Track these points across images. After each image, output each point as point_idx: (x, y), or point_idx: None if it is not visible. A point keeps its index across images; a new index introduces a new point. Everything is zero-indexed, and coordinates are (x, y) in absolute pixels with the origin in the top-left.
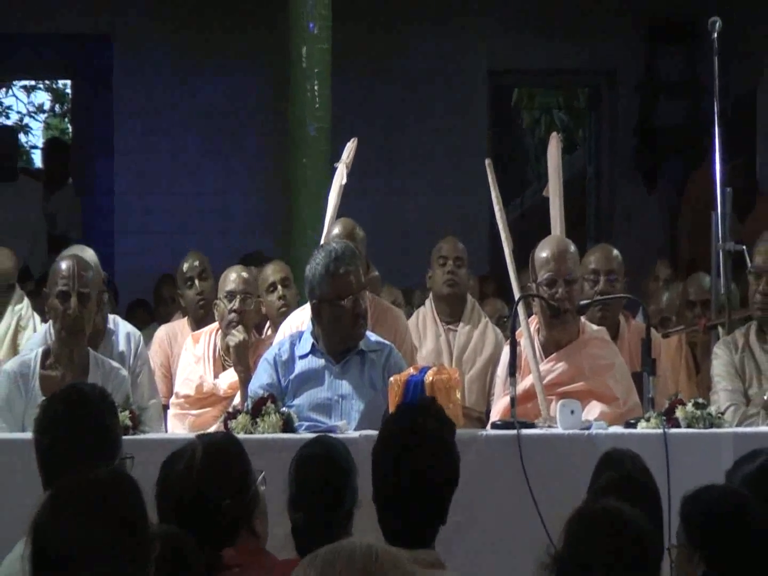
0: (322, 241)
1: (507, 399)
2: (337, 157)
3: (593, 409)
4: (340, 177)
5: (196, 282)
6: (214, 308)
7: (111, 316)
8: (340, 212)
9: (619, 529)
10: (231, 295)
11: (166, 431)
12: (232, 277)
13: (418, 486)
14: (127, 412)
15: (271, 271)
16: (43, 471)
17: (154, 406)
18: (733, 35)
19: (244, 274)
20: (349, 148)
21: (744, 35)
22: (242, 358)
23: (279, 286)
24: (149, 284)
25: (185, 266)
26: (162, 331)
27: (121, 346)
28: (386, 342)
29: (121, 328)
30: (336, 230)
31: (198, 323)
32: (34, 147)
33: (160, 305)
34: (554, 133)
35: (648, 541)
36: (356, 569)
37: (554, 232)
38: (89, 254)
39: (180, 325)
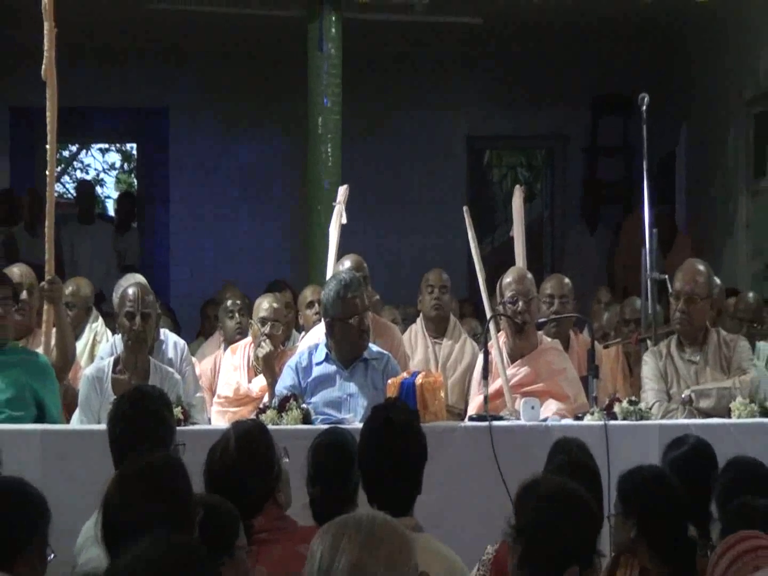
0: (329, 270)
1: (481, 397)
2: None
3: (549, 406)
4: (338, 215)
5: (236, 316)
6: (249, 327)
7: (161, 330)
8: (349, 249)
9: (557, 494)
10: (263, 321)
11: (210, 422)
12: (265, 306)
13: (393, 462)
14: (179, 408)
15: (310, 293)
16: (114, 454)
17: (198, 400)
18: (659, 108)
19: (275, 304)
20: (343, 192)
21: (666, 108)
22: (269, 367)
23: (316, 304)
24: (197, 306)
25: (229, 303)
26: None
27: (170, 353)
28: (385, 352)
29: (170, 338)
30: (347, 263)
31: (231, 344)
32: (108, 197)
33: (204, 322)
34: (518, 186)
35: (586, 505)
36: (363, 534)
37: (518, 263)
38: (142, 278)
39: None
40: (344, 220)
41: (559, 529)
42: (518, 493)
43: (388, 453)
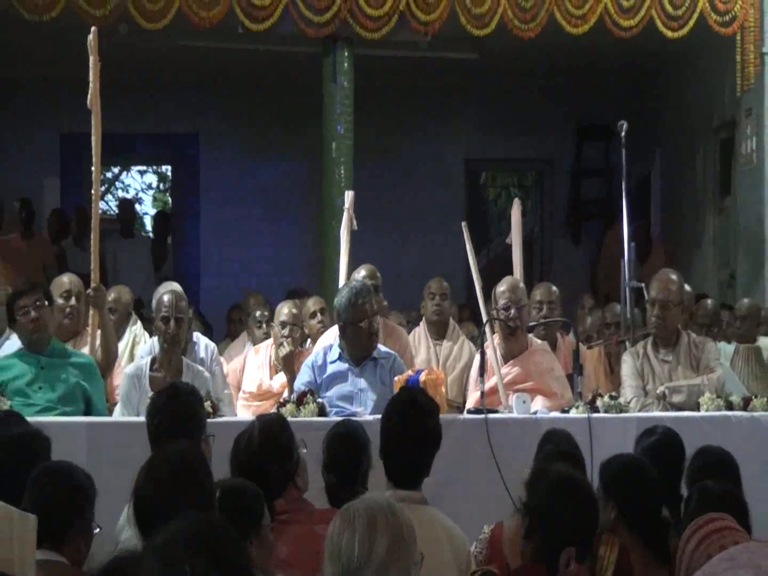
0: (341, 271)
1: (478, 393)
2: (357, 222)
3: (539, 401)
4: (348, 221)
5: (263, 325)
6: (270, 329)
7: (194, 333)
8: (362, 259)
9: (563, 481)
10: (283, 325)
11: (236, 415)
12: (285, 311)
13: (412, 438)
14: (209, 402)
15: (312, 303)
16: (151, 444)
17: (226, 395)
18: (636, 135)
19: (294, 310)
20: (349, 198)
21: (642, 135)
22: (289, 366)
23: (318, 314)
24: (224, 311)
25: (257, 313)
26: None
27: (201, 353)
28: (392, 351)
29: (201, 340)
30: (362, 272)
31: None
32: (146, 214)
33: (230, 326)
34: (516, 200)
35: (588, 487)
36: (373, 514)
37: (515, 267)
38: (179, 287)
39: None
40: (355, 227)
41: (561, 509)
42: (530, 477)
43: (410, 429)
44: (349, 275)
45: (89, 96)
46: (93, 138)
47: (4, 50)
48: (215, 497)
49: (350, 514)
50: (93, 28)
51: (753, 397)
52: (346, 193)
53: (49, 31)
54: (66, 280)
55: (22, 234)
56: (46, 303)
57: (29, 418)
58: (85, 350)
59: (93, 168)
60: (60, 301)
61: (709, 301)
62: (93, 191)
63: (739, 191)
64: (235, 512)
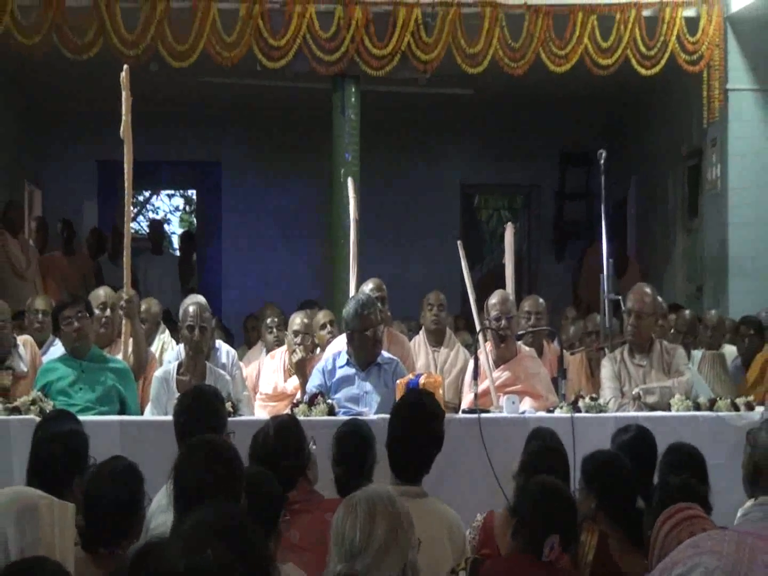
0: (352, 283)
1: (472, 395)
2: (364, 241)
3: (526, 402)
4: (354, 209)
5: (274, 331)
6: (284, 337)
7: (217, 340)
8: (369, 273)
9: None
10: (296, 333)
11: (254, 415)
12: (297, 321)
13: (417, 440)
14: (229, 403)
15: (322, 316)
16: (178, 440)
17: (245, 397)
18: (614, 162)
19: (306, 320)
20: (351, 185)
21: (620, 162)
22: (301, 370)
23: (327, 326)
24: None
25: (269, 320)
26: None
27: (223, 359)
28: (394, 357)
29: (223, 347)
30: (370, 285)
31: (270, 352)
32: (173, 233)
33: (247, 333)
34: (509, 224)
35: (566, 493)
36: (373, 503)
37: (508, 282)
38: (203, 299)
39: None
40: (357, 216)
41: (542, 516)
42: (518, 485)
43: (416, 430)
44: (357, 287)
45: (122, 127)
46: (125, 165)
47: (48, 86)
48: (243, 482)
49: (353, 503)
50: (125, 67)
51: (718, 399)
52: (349, 180)
53: (88, 69)
54: (102, 292)
55: (64, 251)
56: (87, 314)
57: None
58: (119, 356)
59: (125, 192)
60: (96, 311)
61: (687, 312)
62: (125, 213)
63: (705, 214)
64: (260, 498)
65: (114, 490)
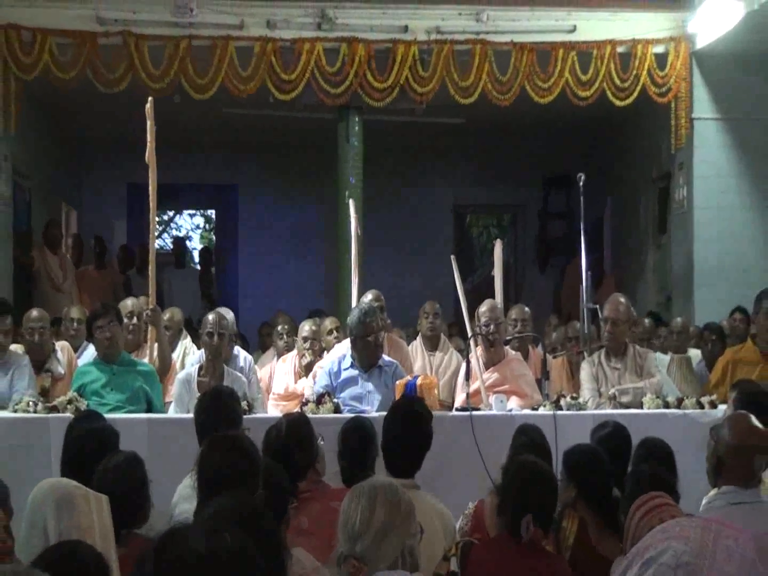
0: (354, 293)
1: (464, 394)
2: (367, 255)
3: (513, 400)
4: (356, 228)
5: (285, 337)
6: (294, 343)
7: (235, 346)
8: (370, 285)
9: (525, 469)
10: (305, 339)
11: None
12: (306, 328)
13: (408, 441)
14: (245, 402)
15: (329, 323)
16: (198, 436)
17: (259, 398)
18: (591, 184)
19: (313, 327)
20: (352, 205)
21: (597, 184)
22: (310, 371)
23: (334, 331)
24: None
25: (279, 328)
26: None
27: (241, 363)
28: (394, 361)
29: (241, 353)
30: (369, 296)
31: (281, 356)
32: (194, 249)
33: (260, 339)
34: (498, 240)
35: (553, 477)
36: (375, 491)
37: (497, 294)
38: (226, 311)
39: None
40: (359, 232)
41: (524, 491)
42: (504, 466)
43: (407, 433)
44: (359, 298)
45: (147, 153)
46: (150, 187)
47: (82, 116)
48: (261, 474)
49: (358, 491)
50: (149, 99)
51: (685, 398)
52: (350, 200)
53: (118, 101)
54: (130, 303)
55: (96, 266)
56: (118, 323)
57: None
58: (146, 359)
59: (150, 212)
60: (125, 320)
61: (646, 320)
62: (150, 231)
63: (673, 231)
64: (270, 488)
65: (119, 479)
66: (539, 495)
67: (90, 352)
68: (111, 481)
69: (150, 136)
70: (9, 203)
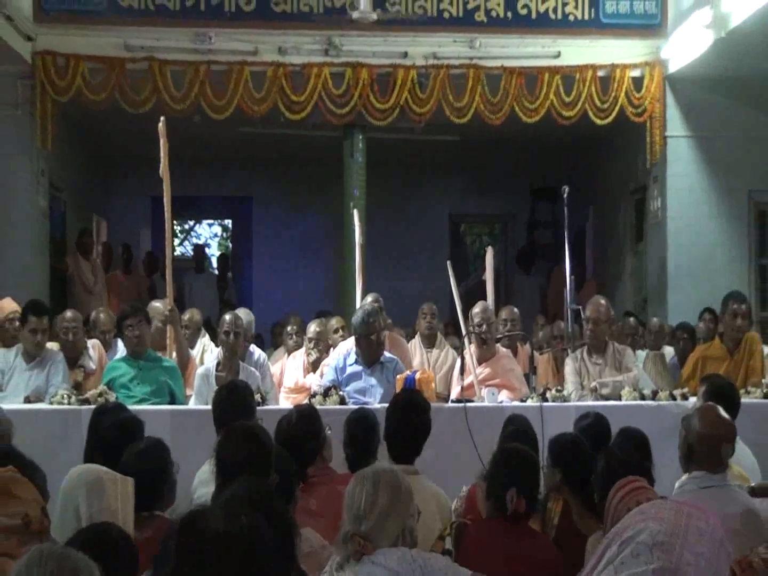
0: (358, 296)
1: (459, 387)
2: (369, 261)
3: (504, 393)
4: (360, 235)
5: (294, 337)
6: (303, 341)
7: (251, 345)
8: (372, 288)
9: (508, 455)
10: (310, 340)
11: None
12: (313, 328)
13: (409, 430)
14: (258, 395)
15: (335, 322)
16: (216, 426)
17: (272, 392)
18: (575, 196)
19: (318, 329)
20: (357, 215)
21: (580, 196)
22: (316, 368)
23: (340, 330)
24: (269, 328)
25: (289, 328)
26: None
27: (255, 359)
28: (395, 357)
29: (255, 351)
30: (369, 298)
31: (290, 354)
32: (213, 255)
33: (273, 338)
34: (489, 248)
35: (535, 459)
36: (378, 476)
37: (489, 297)
38: (247, 313)
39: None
40: (362, 241)
41: (504, 470)
42: (493, 454)
43: (408, 423)
44: (362, 300)
45: (161, 168)
46: (165, 198)
47: (111, 134)
48: (274, 460)
49: (362, 476)
50: (162, 118)
51: (659, 391)
52: (354, 211)
53: (144, 120)
54: (155, 304)
55: (124, 271)
56: (146, 322)
57: (130, 407)
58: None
59: (166, 219)
60: (158, 324)
61: (631, 319)
62: (167, 237)
63: (649, 239)
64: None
65: (145, 464)
66: (522, 473)
67: (120, 348)
68: (137, 464)
69: (163, 153)
70: (46, 214)
